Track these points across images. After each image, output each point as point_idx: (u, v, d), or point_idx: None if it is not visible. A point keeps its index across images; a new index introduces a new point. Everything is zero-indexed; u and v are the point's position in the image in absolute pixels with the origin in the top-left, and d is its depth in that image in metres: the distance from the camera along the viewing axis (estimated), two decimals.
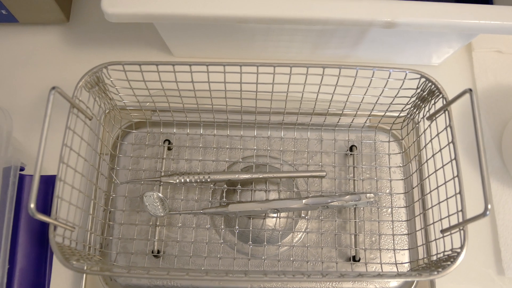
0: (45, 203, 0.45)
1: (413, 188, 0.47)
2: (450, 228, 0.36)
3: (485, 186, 0.32)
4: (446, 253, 0.36)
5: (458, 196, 0.36)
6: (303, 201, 0.44)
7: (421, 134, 0.45)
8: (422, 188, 0.47)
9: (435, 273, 0.34)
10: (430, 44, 0.51)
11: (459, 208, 0.35)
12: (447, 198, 0.37)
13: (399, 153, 0.50)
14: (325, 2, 0.42)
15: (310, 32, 0.49)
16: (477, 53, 0.57)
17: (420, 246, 0.44)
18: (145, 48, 0.56)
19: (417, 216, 0.46)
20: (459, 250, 0.34)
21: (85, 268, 0.38)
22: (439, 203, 0.39)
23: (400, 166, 0.49)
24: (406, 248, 0.46)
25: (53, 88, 0.36)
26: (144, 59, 0.55)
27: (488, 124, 0.54)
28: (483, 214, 0.31)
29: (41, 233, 0.46)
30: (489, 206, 0.31)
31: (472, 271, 0.48)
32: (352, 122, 0.49)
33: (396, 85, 0.42)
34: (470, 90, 0.35)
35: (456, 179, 0.37)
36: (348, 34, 0.49)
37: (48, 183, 0.47)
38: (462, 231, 0.35)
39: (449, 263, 0.34)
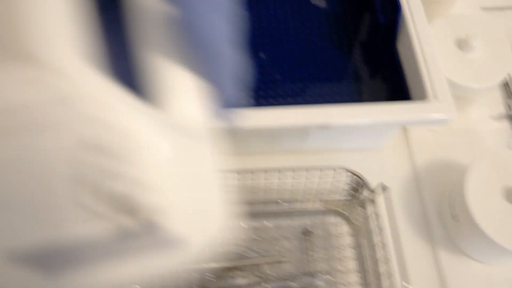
0: None
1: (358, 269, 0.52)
2: None
3: (402, 267, 0.38)
4: None
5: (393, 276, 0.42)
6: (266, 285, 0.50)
7: (360, 217, 0.52)
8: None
9: None
10: (370, 133, 0.60)
11: None
12: (381, 279, 0.43)
13: (352, 234, 0.56)
14: (266, 112, 0.50)
15: (261, 132, 0.57)
16: (412, 134, 0.66)
17: None
18: None
19: None
20: None
21: None
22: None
23: (352, 246, 0.55)
24: None
25: None
26: None
27: (430, 197, 0.61)
28: None
29: None
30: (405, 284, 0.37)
31: None
32: (302, 208, 0.56)
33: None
34: (384, 186, 0.42)
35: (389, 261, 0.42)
36: (294, 134, 0.57)
37: None
38: None
39: None
